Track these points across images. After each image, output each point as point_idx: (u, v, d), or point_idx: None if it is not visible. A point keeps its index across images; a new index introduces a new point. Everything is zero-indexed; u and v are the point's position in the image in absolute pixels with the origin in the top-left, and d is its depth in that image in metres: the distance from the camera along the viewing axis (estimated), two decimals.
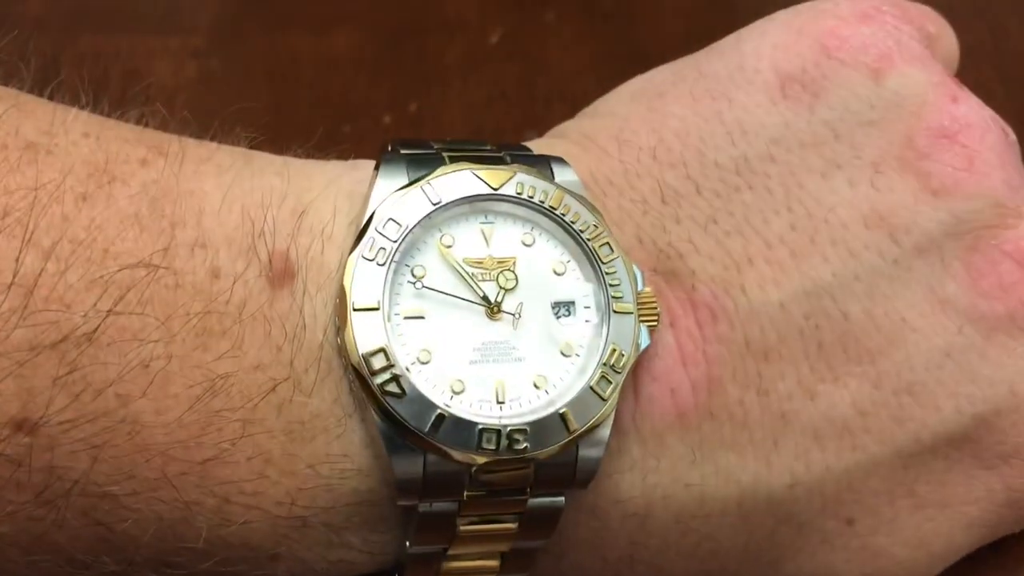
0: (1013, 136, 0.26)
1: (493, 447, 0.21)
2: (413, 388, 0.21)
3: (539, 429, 0.22)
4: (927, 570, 0.25)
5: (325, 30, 0.39)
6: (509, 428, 0.21)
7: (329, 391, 0.22)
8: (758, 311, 0.23)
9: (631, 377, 0.23)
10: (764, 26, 0.26)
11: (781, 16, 0.26)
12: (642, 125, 0.25)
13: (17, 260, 0.20)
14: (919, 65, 0.25)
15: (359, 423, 0.22)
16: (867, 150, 0.25)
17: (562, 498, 0.22)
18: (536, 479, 0.22)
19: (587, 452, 0.22)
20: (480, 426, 0.21)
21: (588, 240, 0.23)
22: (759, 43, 0.26)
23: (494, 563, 0.23)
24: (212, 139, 0.24)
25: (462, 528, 0.22)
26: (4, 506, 0.20)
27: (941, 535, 0.25)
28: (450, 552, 0.23)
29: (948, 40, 0.27)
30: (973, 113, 0.25)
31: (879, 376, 0.24)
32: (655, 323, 0.23)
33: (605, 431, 0.22)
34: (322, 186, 0.23)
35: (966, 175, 0.25)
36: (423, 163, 0.23)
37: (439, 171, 0.23)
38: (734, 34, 0.26)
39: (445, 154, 0.23)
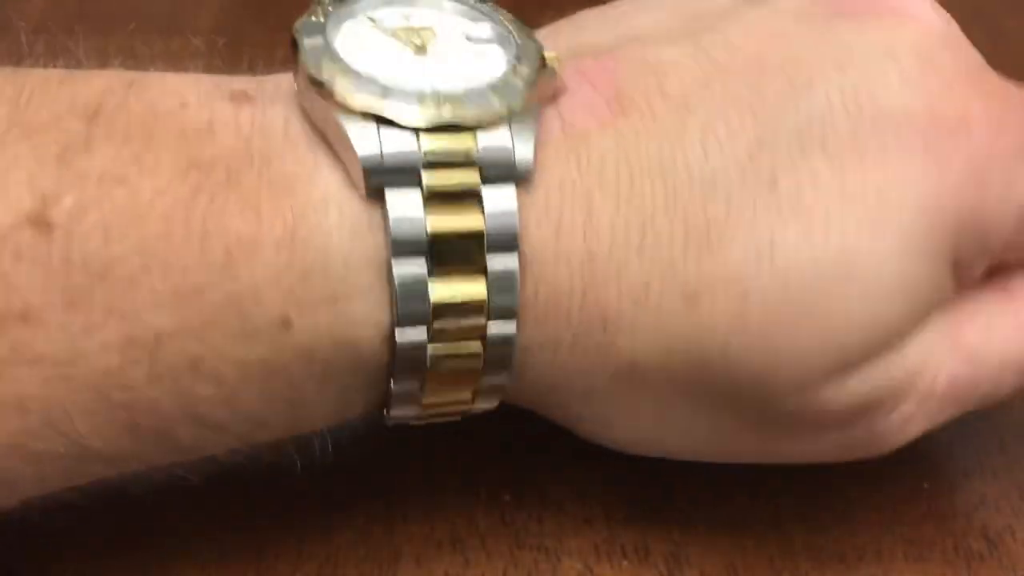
0: None
1: (435, 110, 0.23)
2: (356, 77, 0.23)
3: (473, 96, 0.23)
4: (885, 228, 0.24)
5: None
6: (444, 96, 0.23)
7: (301, 153, 0.23)
8: (650, 50, 0.26)
9: (553, 110, 0.24)
10: None
11: None
12: None
13: None
14: None
15: (335, 168, 0.23)
16: None
17: (512, 185, 0.23)
18: (480, 159, 0.23)
19: (522, 132, 0.23)
20: (420, 96, 0.23)
21: (501, 20, 0.26)
22: None
23: (480, 287, 0.23)
24: None
25: (430, 224, 0.23)
26: None
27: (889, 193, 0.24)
28: (433, 271, 0.23)
29: None
30: None
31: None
32: (555, 63, 0.25)
33: (532, 121, 0.24)
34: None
35: None
36: None
37: None
38: None
39: None
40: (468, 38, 0.25)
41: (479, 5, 0.26)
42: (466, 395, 0.25)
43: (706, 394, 0.25)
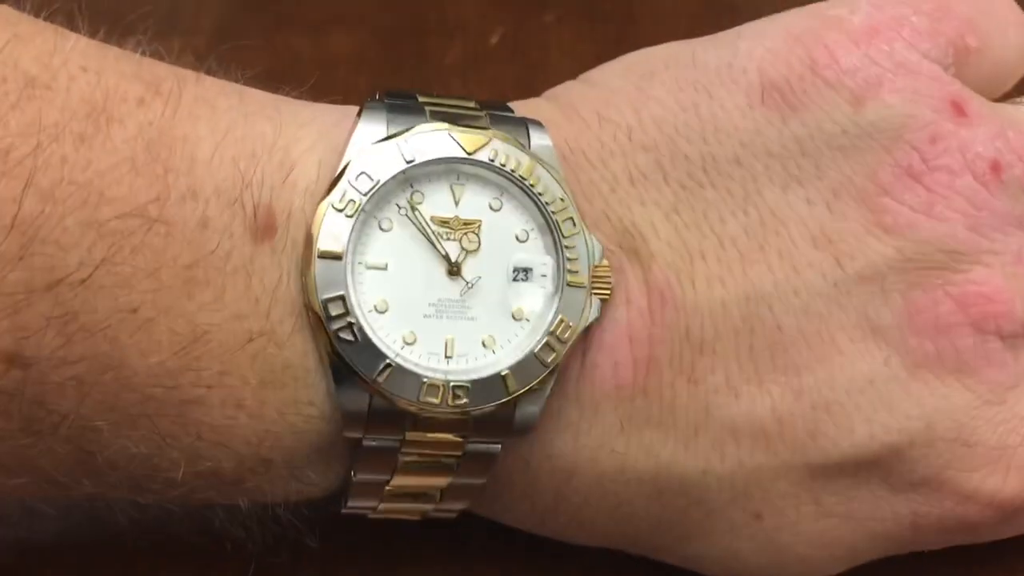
0: (1014, 172, 0.25)
1: (435, 400, 0.23)
2: (366, 336, 0.23)
3: (480, 387, 0.23)
4: (829, 568, 0.26)
5: (325, 30, 0.39)
6: (452, 383, 0.23)
7: (302, 343, 0.23)
8: (702, 305, 0.24)
9: (580, 343, 0.24)
10: (767, 25, 0.26)
11: (789, 17, 0.26)
12: (625, 103, 0.25)
13: (18, 202, 0.21)
14: (909, 95, 0.25)
15: (324, 374, 0.23)
16: (830, 173, 0.25)
17: (499, 445, 0.24)
18: (475, 427, 0.23)
19: (526, 408, 0.24)
20: (425, 379, 0.23)
21: (553, 213, 0.24)
22: (754, 43, 0.26)
23: (441, 481, 0.24)
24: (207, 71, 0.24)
25: (404, 460, 0.23)
26: None
27: (844, 542, 0.26)
28: (392, 483, 0.24)
29: (993, 53, 0.27)
30: (951, 155, 0.25)
31: (801, 389, 0.25)
32: (607, 296, 0.24)
33: (544, 393, 0.24)
34: (312, 138, 0.24)
35: (923, 218, 0.25)
36: (404, 115, 0.24)
37: (417, 128, 0.23)
38: (739, 27, 0.27)
39: (427, 108, 0.24)
40: (514, 270, 0.24)
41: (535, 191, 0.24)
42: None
43: None
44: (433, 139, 0.23)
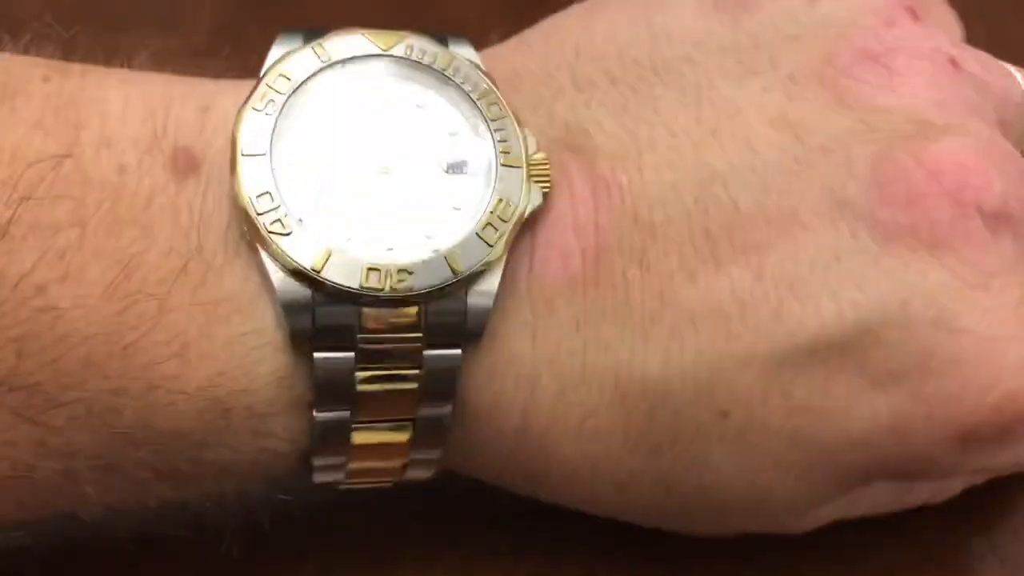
0: (974, 67, 0.25)
1: (379, 285, 0.22)
2: (301, 227, 0.22)
3: (425, 268, 0.22)
4: (805, 473, 0.24)
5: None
6: (396, 267, 0.22)
7: (241, 269, 0.22)
8: (651, 190, 0.24)
9: (528, 242, 0.23)
10: None
11: None
12: (574, 26, 0.26)
13: None
14: None
15: (269, 301, 0.22)
16: (785, 62, 0.25)
17: (459, 351, 0.23)
18: (427, 325, 0.22)
19: (477, 301, 0.23)
20: (367, 264, 0.22)
21: (477, 99, 0.24)
22: None
23: (403, 437, 0.23)
24: None
25: (360, 383, 0.22)
26: None
27: (819, 443, 0.24)
28: (357, 419, 0.23)
29: None
30: (909, 40, 0.25)
31: (762, 268, 0.23)
32: (547, 185, 0.23)
33: (494, 280, 0.23)
34: (227, 88, 0.24)
35: (888, 91, 0.24)
36: (319, 33, 0.24)
37: (331, 34, 0.24)
38: None
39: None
40: (448, 166, 0.23)
41: (465, 87, 0.24)
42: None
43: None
44: (348, 40, 0.24)
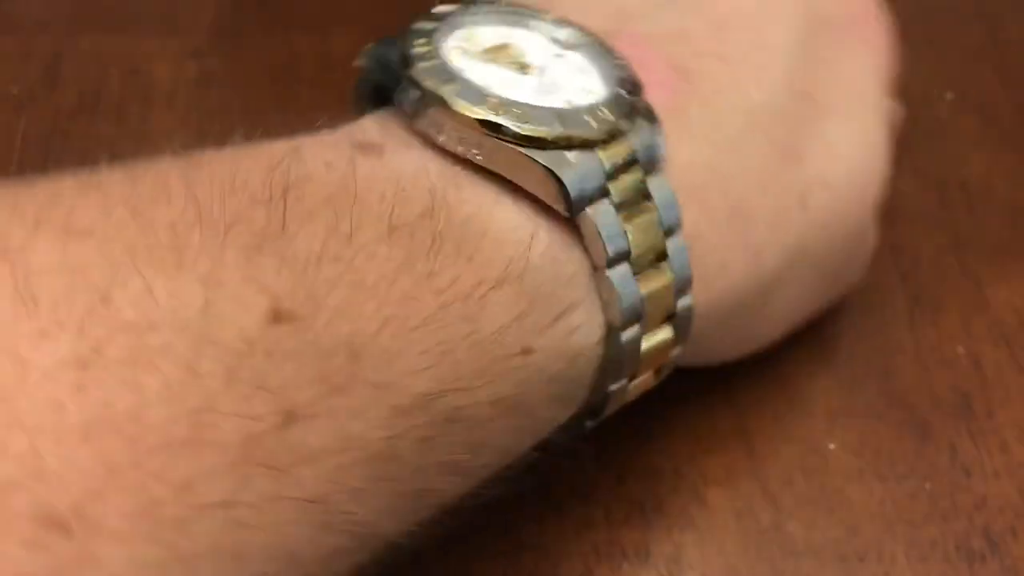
0: None
1: (594, 122, 0.23)
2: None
3: (611, 102, 0.24)
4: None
5: (325, 30, 0.39)
6: (595, 105, 0.24)
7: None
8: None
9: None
10: None
11: None
12: None
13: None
14: None
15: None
16: None
17: (661, 146, 0.25)
18: (626, 140, 0.24)
19: (643, 119, 0.24)
20: (591, 108, 0.24)
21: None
22: None
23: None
24: (211, 142, 0.23)
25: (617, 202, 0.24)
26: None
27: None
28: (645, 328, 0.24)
29: None
30: None
31: None
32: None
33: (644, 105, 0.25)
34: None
35: None
36: None
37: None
38: None
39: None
40: (555, 52, 0.25)
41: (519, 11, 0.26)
42: (651, 379, 0.26)
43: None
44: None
